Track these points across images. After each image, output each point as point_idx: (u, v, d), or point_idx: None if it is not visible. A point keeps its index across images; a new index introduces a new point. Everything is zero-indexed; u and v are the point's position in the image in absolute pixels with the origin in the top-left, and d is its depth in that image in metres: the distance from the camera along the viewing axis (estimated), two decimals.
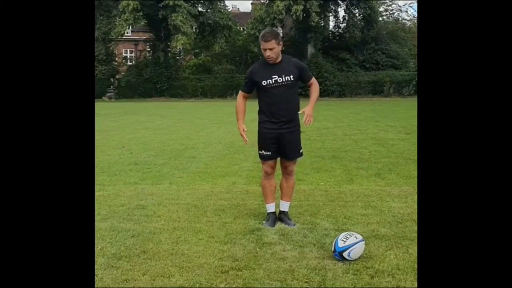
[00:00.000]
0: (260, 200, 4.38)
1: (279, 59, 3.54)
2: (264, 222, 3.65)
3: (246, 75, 3.74)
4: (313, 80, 3.73)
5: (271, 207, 3.71)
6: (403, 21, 37.48)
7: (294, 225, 3.63)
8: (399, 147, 7.81)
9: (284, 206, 3.77)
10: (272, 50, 3.45)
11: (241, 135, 3.69)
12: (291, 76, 3.53)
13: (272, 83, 3.52)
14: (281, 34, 3.66)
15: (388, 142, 8.46)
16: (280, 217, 3.75)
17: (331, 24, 34.92)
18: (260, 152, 3.70)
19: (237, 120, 3.73)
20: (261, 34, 3.54)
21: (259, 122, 3.68)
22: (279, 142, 3.60)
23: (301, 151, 3.71)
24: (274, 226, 3.58)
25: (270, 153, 3.63)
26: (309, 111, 3.52)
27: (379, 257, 2.95)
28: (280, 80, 3.51)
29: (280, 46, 3.53)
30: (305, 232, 3.45)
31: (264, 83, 3.52)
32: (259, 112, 3.69)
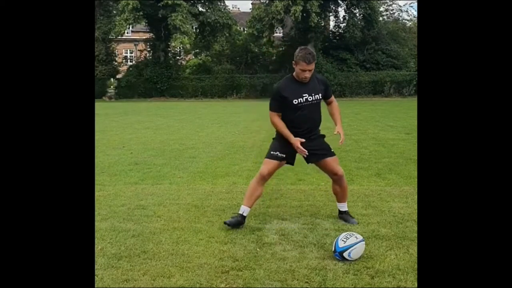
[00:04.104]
0: (260, 200, 4.38)
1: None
2: (230, 219, 3.54)
3: (274, 93, 3.59)
4: (333, 97, 3.79)
5: (243, 210, 3.58)
6: (404, 21, 37.43)
7: (356, 222, 3.64)
8: (400, 147, 7.81)
9: (343, 206, 3.78)
10: (311, 71, 3.46)
11: (298, 147, 3.51)
12: (320, 95, 3.57)
13: (303, 102, 3.51)
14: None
15: (389, 142, 8.46)
16: (341, 216, 3.75)
17: (332, 24, 34.90)
18: (274, 153, 3.62)
19: (287, 137, 3.53)
20: (300, 55, 3.41)
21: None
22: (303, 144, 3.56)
23: (332, 150, 3.68)
24: (234, 227, 3.46)
25: (284, 155, 3.59)
26: (341, 130, 3.67)
27: (380, 257, 2.95)
28: (310, 98, 3.52)
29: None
30: (306, 232, 3.45)
31: (295, 101, 3.49)
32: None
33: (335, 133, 3.66)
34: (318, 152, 3.61)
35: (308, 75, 3.46)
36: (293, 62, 3.48)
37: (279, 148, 3.60)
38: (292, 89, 3.51)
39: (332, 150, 3.69)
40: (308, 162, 3.71)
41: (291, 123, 3.56)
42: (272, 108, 3.59)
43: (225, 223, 3.51)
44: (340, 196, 3.76)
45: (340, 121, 3.73)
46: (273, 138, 3.75)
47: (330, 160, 3.65)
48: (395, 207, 4.10)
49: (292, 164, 3.72)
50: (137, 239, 3.34)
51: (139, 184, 5.21)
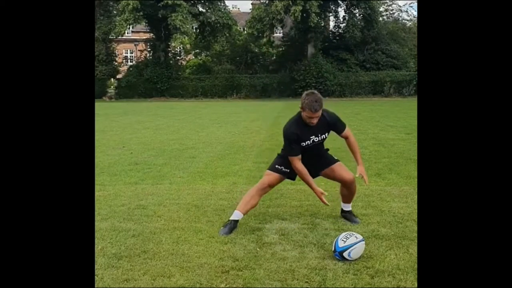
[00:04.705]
0: (260, 200, 4.38)
1: None
2: (221, 228, 3.49)
3: (289, 137, 3.50)
4: (348, 131, 3.66)
5: (235, 215, 3.53)
6: (403, 21, 37.47)
7: (359, 222, 3.66)
8: (399, 147, 7.81)
9: (347, 206, 3.78)
10: (318, 117, 3.41)
11: (320, 198, 3.53)
12: (326, 134, 3.58)
13: (310, 144, 3.52)
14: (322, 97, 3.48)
15: (389, 142, 8.46)
16: (344, 215, 3.76)
17: (331, 24, 34.92)
18: (278, 167, 3.63)
19: (309, 185, 3.55)
20: (307, 103, 3.33)
21: None
22: (307, 161, 3.56)
23: (335, 158, 3.72)
24: (230, 233, 3.41)
25: (288, 170, 3.60)
26: (363, 171, 3.62)
27: (380, 257, 2.95)
28: (316, 139, 3.53)
29: None
30: (306, 232, 3.45)
31: (303, 144, 3.50)
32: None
33: (357, 175, 3.59)
34: (320, 163, 3.65)
35: (315, 121, 3.41)
36: (300, 106, 3.42)
37: (284, 164, 3.61)
38: (302, 131, 3.48)
39: (335, 158, 3.73)
40: (314, 177, 3.70)
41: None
42: (293, 153, 3.50)
43: (220, 234, 3.41)
44: (346, 198, 3.76)
45: (360, 159, 3.65)
46: (278, 154, 3.75)
47: (335, 167, 3.66)
48: (395, 207, 4.10)
49: (293, 179, 3.76)
50: (137, 239, 3.34)
51: (139, 184, 5.21)
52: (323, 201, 3.53)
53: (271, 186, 3.67)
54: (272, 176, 3.64)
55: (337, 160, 3.71)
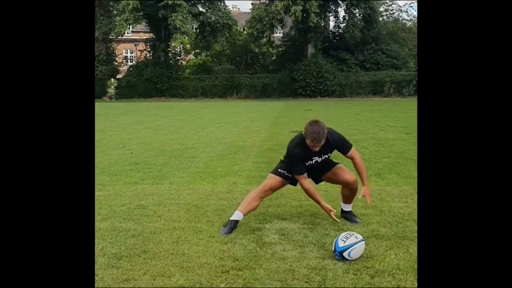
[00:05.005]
0: None
1: None
2: (221, 228, 3.50)
3: (293, 158, 3.52)
4: (354, 152, 3.61)
5: (236, 215, 3.54)
6: (403, 21, 37.46)
7: (359, 222, 3.68)
8: (399, 147, 7.81)
9: (348, 207, 3.79)
10: (321, 145, 3.40)
11: (330, 215, 3.55)
12: (329, 154, 3.59)
13: (313, 163, 3.56)
14: (325, 125, 3.44)
15: (388, 142, 8.46)
16: (345, 216, 3.76)
17: (331, 24, 34.92)
18: (281, 171, 3.65)
19: (318, 202, 3.59)
20: (310, 133, 3.32)
21: None
22: (311, 172, 3.62)
23: (335, 162, 3.72)
24: (230, 233, 3.41)
25: (290, 175, 3.61)
26: (367, 193, 3.60)
27: (379, 257, 2.95)
28: (319, 160, 3.56)
29: None
30: (306, 232, 3.45)
31: (306, 163, 3.54)
32: None
33: (360, 196, 3.63)
34: (321, 169, 3.66)
35: (318, 149, 3.43)
36: (303, 132, 3.41)
37: (287, 169, 3.63)
38: (305, 153, 3.49)
39: (335, 162, 3.74)
40: (316, 183, 3.77)
41: None
42: (299, 172, 3.53)
43: (220, 234, 3.42)
44: (347, 198, 3.77)
45: (366, 180, 3.61)
46: (281, 160, 3.77)
47: (336, 170, 3.67)
48: (395, 207, 4.10)
49: (295, 185, 3.78)
50: (137, 239, 3.34)
51: (139, 184, 5.21)
52: (333, 218, 3.56)
53: (272, 189, 3.69)
54: (274, 179, 3.66)
55: (337, 163, 3.72)
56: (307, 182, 3.58)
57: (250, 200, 3.61)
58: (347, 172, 3.68)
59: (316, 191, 3.62)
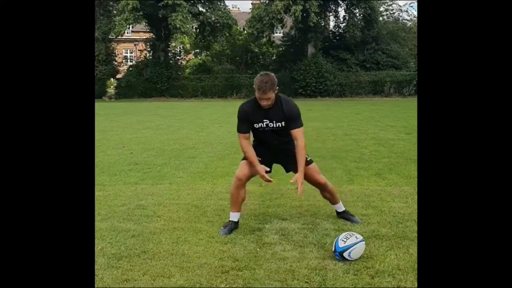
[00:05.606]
0: (260, 200, 4.39)
1: (273, 102, 3.38)
2: (221, 228, 3.49)
3: (239, 114, 3.49)
4: (299, 133, 3.39)
5: (233, 216, 3.54)
6: (404, 21, 37.40)
7: (359, 221, 3.64)
8: (400, 147, 7.80)
9: (339, 207, 3.76)
10: (269, 99, 3.31)
11: (263, 176, 3.45)
12: (282, 123, 3.40)
13: (264, 127, 3.43)
14: (276, 80, 3.37)
15: (389, 142, 8.46)
16: (342, 216, 3.74)
17: (331, 24, 34.90)
18: None
19: (252, 163, 3.45)
20: (257, 83, 3.29)
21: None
22: (275, 155, 3.55)
23: (308, 159, 3.57)
24: (229, 234, 3.40)
25: (260, 158, 3.47)
26: (300, 179, 3.34)
27: (380, 257, 2.95)
28: (271, 125, 3.41)
29: (276, 91, 3.36)
30: (306, 232, 3.45)
31: (256, 126, 3.44)
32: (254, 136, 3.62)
33: (291, 181, 3.39)
34: (293, 163, 3.49)
35: (265, 103, 3.32)
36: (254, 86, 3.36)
37: (255, 153, 3.50)
38: (254, 113, 3.41)
39: (308, 159, 3.57)
40: (287, 171, 3.68)
41: (259, 143, 3.56)
42: (239, 130, 3.49)
43: (220, 234, 3.41)
44: (331, 200, 3.76)
45: (302, 167, 3.36)
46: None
47: (307, 170, 3.52)
48: (395, 207, 4.10)
49: (269, 171, 3.60)
50: (137, 239, 3.34)
51: (139, 184, 5.21)
52: (266, 179, 3.46)
53: (246, 176, 3.53)
54: (245, 167, 3.51)
55: (310, 162, 3.59)
56: (245, 141, 3.48)
57: (236, 197, 3.54)
58: (318, 174, 3.63)
59: (253, 154, 3.46)
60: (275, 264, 2.86)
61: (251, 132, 3.53)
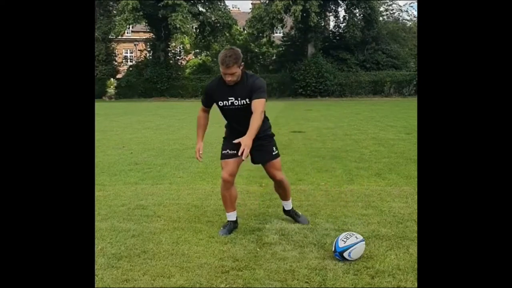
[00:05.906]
0: (260, 200, 4.39)
1: (238, 79, 3.30)
2: (221, 228, 3.48)
3: (204, 89, 3.52)
4: (258, 104, 3.20)
5: (230, 216, 3.53)
6: (404, 21, 37.46)
7: (307, 222, 3.64)
8: (400, 147, 7.81)
9: (287, 205, 3.73)
10: (233, 74, 3.22)
11: (196, 152, 3.50)
12: (247, 100, 3.28)
13: (229, 105, 3.35)
14: (241, 55, 3.34)
15: (389, 142, 8.46)
16: (289, 215, 3.72)
17: (332, 24, 34.95)
18: (224, 152, 3.45)
19: (197, 136, 3.56)
20: (220, 57, 3.25)
21: (224, 136, 3.59)
22: (235, 127, 3.44)
23: (274, 153, 3.51)
24: (229, 234, 3.40)
25: (235, 151, 3.18)
26: (246, 141, 3.01)
27: (380, 257, 2.95)
28: (236, 103, 3.32)
29: (241, 67, 3.29)
30: (306, 232, 3.45)
31: (221, 103, 3.39)
32: (225, 126, 3.62)
33: (235, 141, 3.11)
34: (260, 154, 3.47)
35: (230, 78, 3.23)
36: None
37: (228, 146, 3.43)
38: (220, 90, 3.36)
39: (275, 153, 3.51)
40: (253, 163, 3.59)
41: (228, 124, 3.57)
42: (202, 102, 3.59)
43: (220, 234, 3.40)
44: (282, 195, 3.73)
45: (251, 133, 3.07)
46: (223, 138, 3.64)
47: (268, 166, 3.52)
48: (395, 207, 4.10)
49: (254, 162, 3.55)
50: (137, 239, 3.34)
51: (139, 184, 5.21)
52: (197, 156, 3.52)
53: (231, 174, 3.46)
54: (225, 164, 3.46)
55: (274, 158, 3.51)
56: (202, 113, 3.60)
57: (228, 197, 3.51)
58: (277, 170, 3.55)
59: (202, 128, 3.61)
60: (275, 264, 2.86)
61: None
